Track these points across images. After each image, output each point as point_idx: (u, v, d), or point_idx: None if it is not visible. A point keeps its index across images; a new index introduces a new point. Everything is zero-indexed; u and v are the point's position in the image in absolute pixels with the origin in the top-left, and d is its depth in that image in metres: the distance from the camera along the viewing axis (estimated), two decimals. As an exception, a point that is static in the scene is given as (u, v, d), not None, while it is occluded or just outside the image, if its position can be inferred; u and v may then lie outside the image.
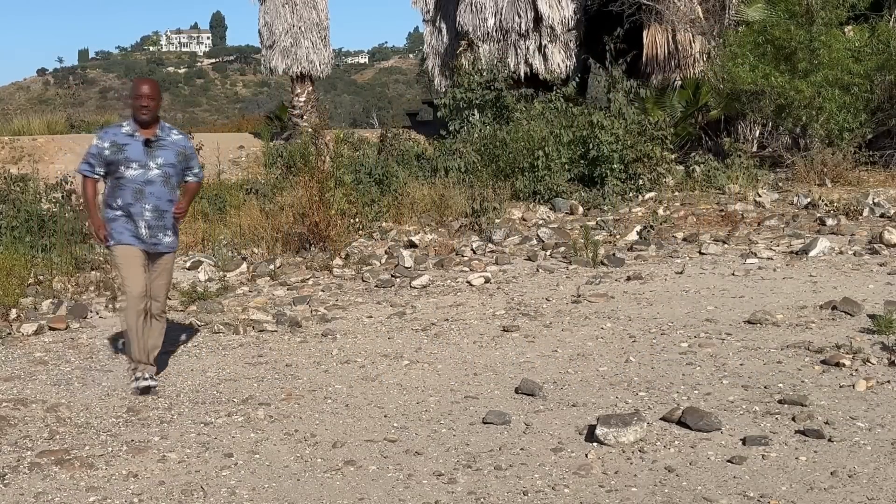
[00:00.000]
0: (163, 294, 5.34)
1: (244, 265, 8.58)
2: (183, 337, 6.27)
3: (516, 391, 4.82)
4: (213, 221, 10.64)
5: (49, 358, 5.81)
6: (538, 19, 17.63)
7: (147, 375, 5.08)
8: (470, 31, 17.97)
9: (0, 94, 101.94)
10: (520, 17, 17.68)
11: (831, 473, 3.65)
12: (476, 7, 17.92)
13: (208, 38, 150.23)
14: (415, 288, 7.56)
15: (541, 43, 17.82)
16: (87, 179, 5.14)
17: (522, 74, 17.56)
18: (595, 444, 4.04)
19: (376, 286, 7.74)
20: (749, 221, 9.76)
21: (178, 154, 5.16)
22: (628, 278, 7.52)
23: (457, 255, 8.95)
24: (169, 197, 5.14)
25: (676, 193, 11.53)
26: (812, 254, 8.02)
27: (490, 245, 9.27)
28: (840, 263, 7.71)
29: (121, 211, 5.07)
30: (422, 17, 20.35)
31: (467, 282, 7.68)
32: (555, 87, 13.98)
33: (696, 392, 4.71)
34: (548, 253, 8.79)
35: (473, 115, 15.02)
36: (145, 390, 5.01)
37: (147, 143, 5.04)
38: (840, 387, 4.69)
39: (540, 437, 4.19)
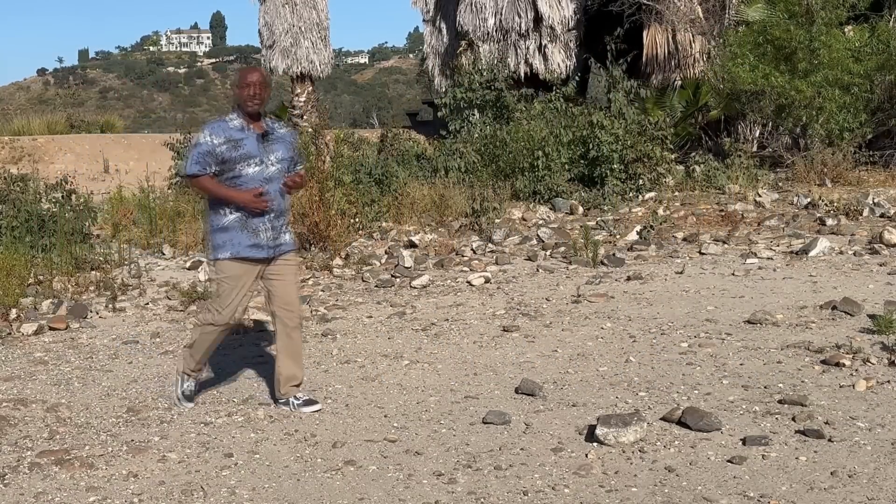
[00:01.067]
0: (297, 300, 4.73)
1: (244, 265, 8.57)
2: (183, 337, 6.27)
3: (516, 391, 4.82)
4: (213, 221, 10.63)
5: (49, 358, 5.81)
6: (538, 19, 17.64)
7: (194, 385, 4.83)
8: (470, 31, 17.98)
9: (0, 94, 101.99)
10: (520, 17, 17.69)
11: (831, 473, 3.65)
12: (476, 7, 17.93)
13: (208, 38, 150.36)
14: (415, 288, 7.56)
15: (541, 43, 17.83)
16: (202, 178, 4.49)
17: (522, 74, 17.57)
18: (595, 444, 4.04)
19: (376, 286, 7.74)
20: (749, 221, 9.76)
21: (289, 148, 4.69)
22: (628, 278, 7.52)
23: (457, 255, 8.95)
24: (285, 195, 4.67)
25: (676, 193, 11.53)
26: (812, 254, 8.02)
27: (490, 245, 9.27)
28: (840, 263, 7.71)
29: (236, 216, 4.49)
30: (422, 17, 20.37)
31: (467, 282, 7.68)
32: (555, 87, 13.98)
33: (696, 392, 4.71)
34: (548, 253, 8.79)
35: (473, 115, 15.02)
36: (189, 396, 4.79)
37: (263, 137, 4.54)
38: (840, 387, 4.69)
39: (540, 437, 4.19)
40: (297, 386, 4.71)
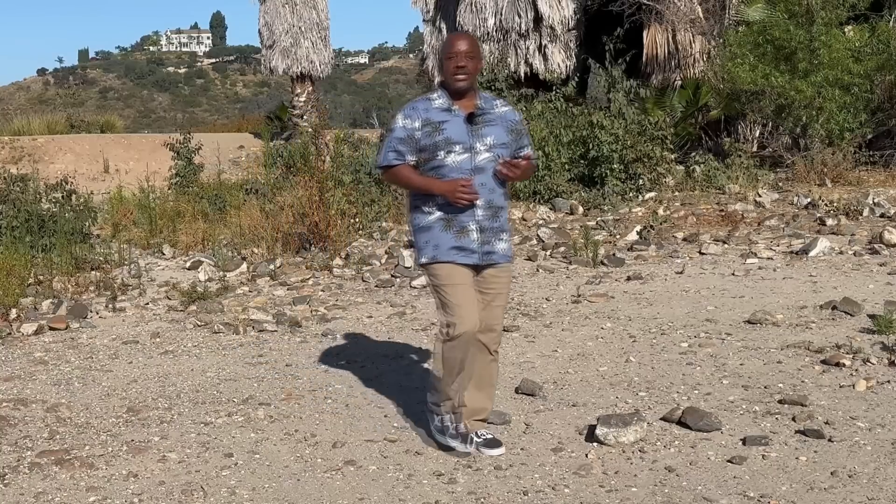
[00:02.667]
0: (500, 323, 4.03)
1: (244, 265, 8.58)
2: (183, 337, 6.27)
3: (516, 391, 4.81)
4: (213, 221, 10.65)
5: (49, 358, 5.81)
6: (538, 19, 17.62)
7: (452, 423, 3.99)
8: (470, 30, 17.96)
9: (0, 94, 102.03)
10: (520, 17, 17.68)
11: (831, 473, 3.65)
12: (476, 7, 17.92)
13: (208, 38, 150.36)
14: (415, 288, 7.56)
15: (541, 43, 17.82)
16: (397, 168, 3.87)
17: (522, 74, 17.55)
18: (595, 444, 4.04)
19: (376, 286, 7.74)
20: (749, 221, 9.76)
21: (509, 131, 3.90)
22: (628, 278, 7.52)
23: (457, 255, 8.94)
24: (502, 188, 3.90)
25: (676, 193, 11.53)
26: (812, 254, 8.02)
27: (490, 245, 9.24)
28: (840, 263, 7.71)
29: (439, 213, 3.83)
30: (422, 17, 20.35)
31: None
32: (555, 87, 13.97)
33: (696, 392, 4.71)
34: (548, 253, 8.79)
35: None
36: (457, 434, 3.95)
37: (470, 118, 3.82)
38: (840, 387, 4.69)
39: (540, 437, 4.19)
40: (483, 420, 4.08)
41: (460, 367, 3.87)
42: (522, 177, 4.01)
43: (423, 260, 3.91)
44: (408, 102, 4.07)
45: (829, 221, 9.27)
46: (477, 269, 3.88)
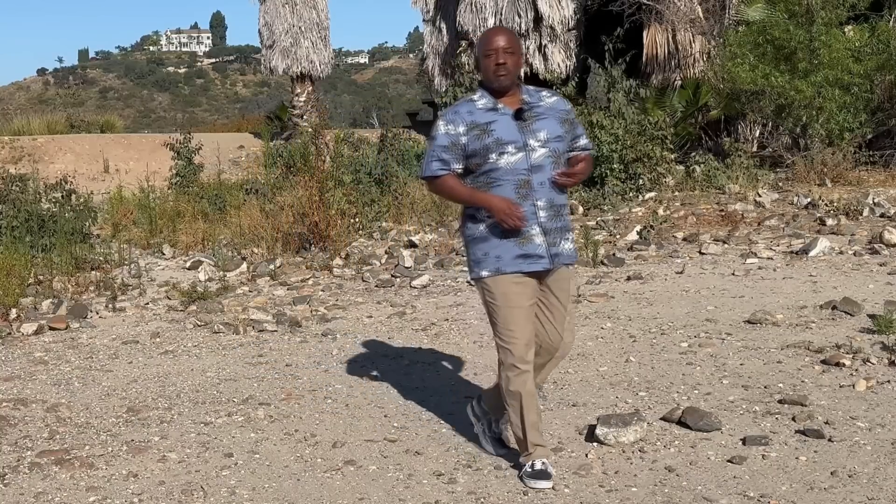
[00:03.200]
0: (571, 328, 3.79)
1: (244, 265, 8.58)
2: (183, 337, 6.28)
3: (516, 391, 4.81)
4: (213, 221, 10.65)
5: (49, 358, 5.81)
6: (538, 19, 17.64)
7: (546, 463, 3.66)
8: (470, 30, 17.97)
9: (0, 94, 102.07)
10: (520, 16, 17.69)
11: (831, 473, 3.65)
12: (476, 7, 17.94)
13: (208, 37, 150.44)
14: (415, 288, 7.56)
15: (541, 43, 17.84)
16: (442, 178, 3.62)
17: (522, 74, 17.48)
18: (595, 443, 4.04)
19: (376, 286, 7.74)
20: (749, 221, 9.76)
21: (562, 122, 3.63)
22: (628, 278, 7.52)
23: (457, 254, 8.94)
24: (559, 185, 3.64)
25: (676, 193, 11.53)
26: (812, 254, 8.02)
27: (490, 245, 9.24)
28: (840, 263, 7.71)
29: (495, 220, 3.53)
30: (422, 17, 20.38)
31: (467, 282, 7.67)
32: (554, 87, 13.97)
33: (696, 392, 4.71)
34: (548, 253, 8.78)
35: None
36: (543, 475, 3.62)
37: (518, 114, 3.56)
38: (840, 387, 4.69)
39: (540, 437, 4.18)
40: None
41: (526, 395, 3.60)
42: (584, 176, 3.69)
43: (484, 273, 3.58)
44: (447, 108, 3.86)
45: (829, 221, 9.27)
46: (540, 275, 3.60)
